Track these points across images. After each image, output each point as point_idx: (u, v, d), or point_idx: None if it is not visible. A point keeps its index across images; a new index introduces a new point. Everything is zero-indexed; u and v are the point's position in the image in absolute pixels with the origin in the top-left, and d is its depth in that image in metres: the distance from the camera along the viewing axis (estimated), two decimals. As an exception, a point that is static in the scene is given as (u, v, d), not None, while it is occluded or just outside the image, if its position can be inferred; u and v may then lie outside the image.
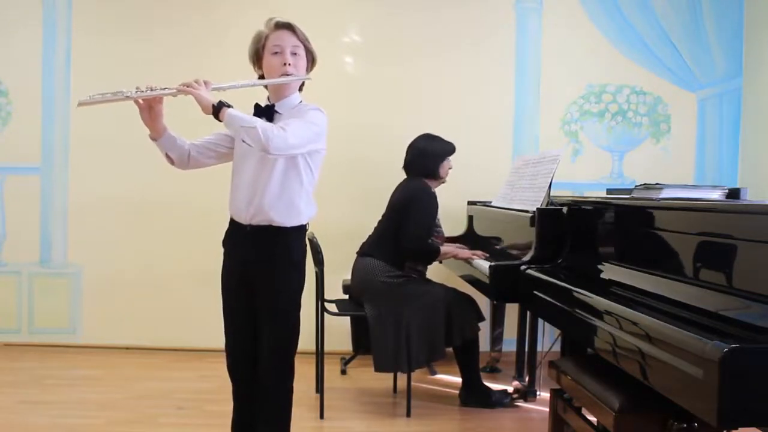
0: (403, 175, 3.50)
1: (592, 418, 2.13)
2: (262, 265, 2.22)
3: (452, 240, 3.78)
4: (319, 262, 3.16)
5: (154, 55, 4.15)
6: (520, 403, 3.33)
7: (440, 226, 3.61)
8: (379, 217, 3.46)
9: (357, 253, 3.42)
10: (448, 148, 3.47)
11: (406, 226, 3.24)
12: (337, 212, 4.17)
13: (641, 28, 4.33)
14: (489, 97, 4.32)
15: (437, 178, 3.45)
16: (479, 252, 3.33)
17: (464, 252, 3.36)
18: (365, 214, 3.72)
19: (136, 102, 2.12)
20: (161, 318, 4.25)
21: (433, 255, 3.33)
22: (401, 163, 3.50)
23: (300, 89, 2.33)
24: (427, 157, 3.42)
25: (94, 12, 4.24)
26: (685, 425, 1.81)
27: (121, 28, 4.22)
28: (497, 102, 4.32)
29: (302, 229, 2.27)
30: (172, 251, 4.20)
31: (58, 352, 4.16)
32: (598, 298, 2.07)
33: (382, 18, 4.29)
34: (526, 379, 3.37)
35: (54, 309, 4.28)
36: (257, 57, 2.26)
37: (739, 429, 1.53)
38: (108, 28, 4.23)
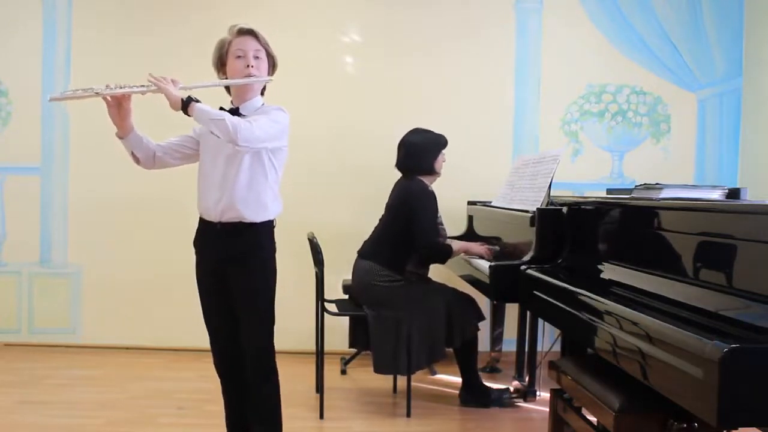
0: (399, 174, 3.47)
1: (592, 418, 2.13)
2: (234, 263, 2.27)
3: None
4: (319, 262, 3.16)
5: (154, 54, 4.16)
6: (520, 403, 3.34)
7: (443, 223, 3.58)
8: (379, 217, 3.46)
9: (358, 252, 3.42)
10: (441, 141, 3.41)
11: (416, 233, 3.21)
12: (337, 212, 4.18)
13: (641, 28, 4.33)
14: (489, 97, 4.31)
15: (433, 173, 3.40)
16: (488, 249, 3.33)
17: (477, 247, 3.36)
18: (365, 214, 3.71)
19: (105, 99, 2.19)
20: (161, 318, 4.25)
21: (447, 255, 3.29)
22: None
23: (262, 93, 2.40)
24: (420, 153, 3.36)
25: (95, 11, 4.25)
26: (685, 425, 1.81)
27: (121, 28, 4.23)
28: (497, 102, 4.32)
29: (270, 225, 2.33)
30: (171, 251, 4.18)
31: (58, 352, 4.16)
32: (598, 298, 2.07)
33: (382, 18, 4.29)
34: (526, 379, 3.37)
35: (54, 309, 4.28)
36: (221, 63, 2.35)
37: (739, 429, 1.53)
38: (108, 28, 4.24)
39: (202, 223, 2.34)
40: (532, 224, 2.89)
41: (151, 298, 4.24)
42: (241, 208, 2.23)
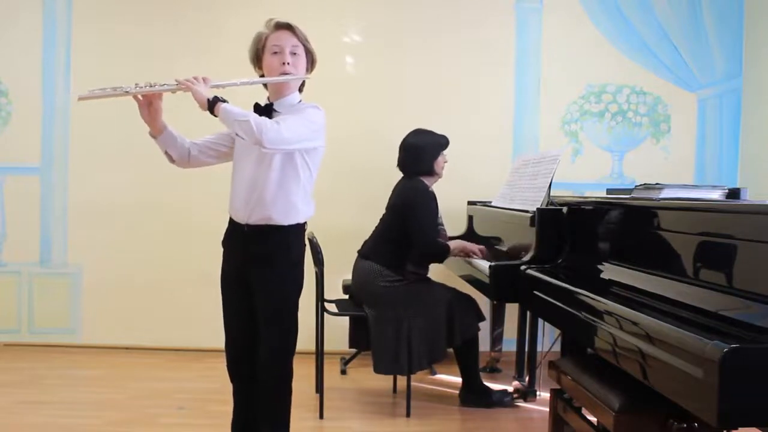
0: (400, 175, 3.47)
1: (592, 418, 2.13)
2: (260, 265, 2.22)
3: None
4: (319, 262, 3.16)
5: (155, 53, 4.15)
6: (520, 403, 3.33)
7: (443, 224, 3.58)
8: (379, 217, 3.46)
9: (358, 252, 3.42)
10: (442, 142, 3.40)
11: (414, 232, 3.20)
12: (337, 212, 4.17)
13: (641, 28, 4.33)
14: (489, 97, 4.31)
15: (433, 174, 3.39)
16: (484, 248, 3.33)
17: (472, 246, 3.35)
18: (365, 214, 3.71)
19: (136, 98, 2.14)
20: (161, 318, 4.25)
21: (444, 255, 3.29)
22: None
23: (300, 89, 2.34)
24: (420, 154, 3.35)
25: (95, 10, 4.24)
26: (685, 425, 1.81)
27: (121, 27, 4.22)
28: (497, 102, 4.32)
29: (301, 228, 2.28)
30: (172, 251, 4.20)
31: (58, 352, 4.16)
32: (598, 298, 2.07)
33: (382, 18, 4.28)
34: (526, 379, 3.36)
35: (54, 309, 4.28)
36: (257, 58, 2.27)
37: (739, 429, 1.53)
38: (108, 27, 4.23)
39: (231, 223, 2.30)
40: (532, 224, 2.89)
41: (151, 298, 4.23)
42: (270, 210, 2.18)
